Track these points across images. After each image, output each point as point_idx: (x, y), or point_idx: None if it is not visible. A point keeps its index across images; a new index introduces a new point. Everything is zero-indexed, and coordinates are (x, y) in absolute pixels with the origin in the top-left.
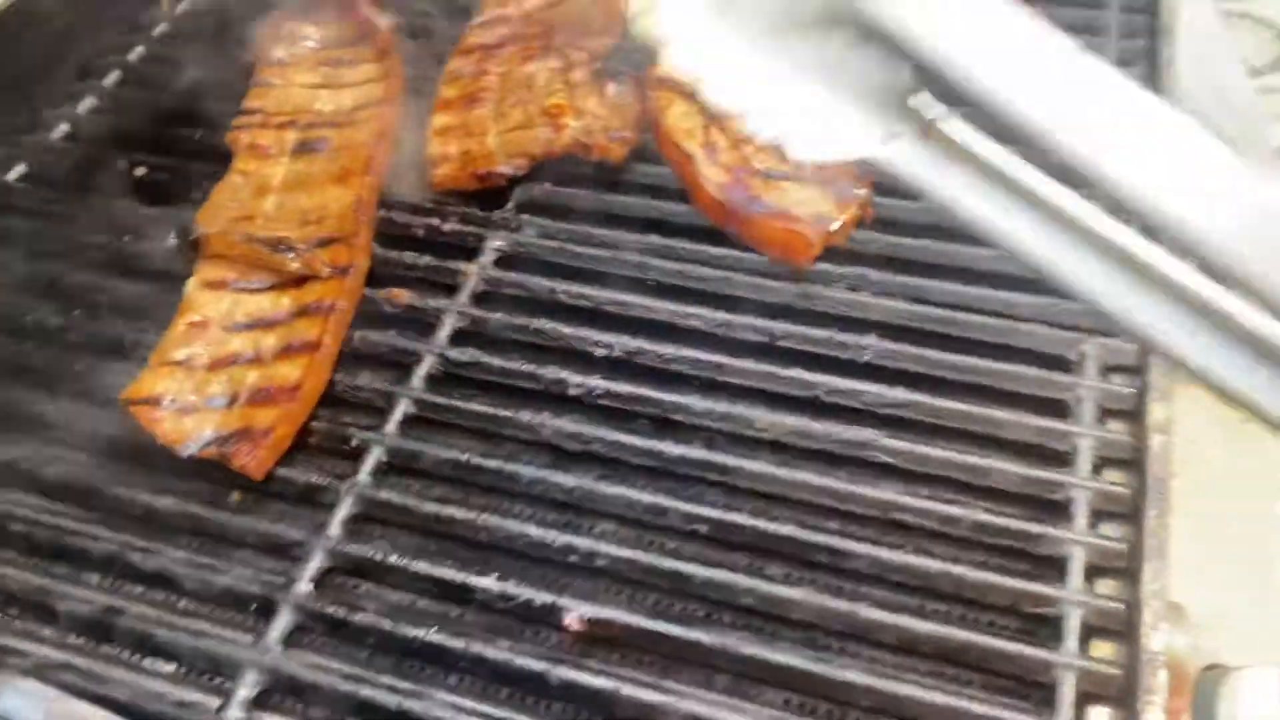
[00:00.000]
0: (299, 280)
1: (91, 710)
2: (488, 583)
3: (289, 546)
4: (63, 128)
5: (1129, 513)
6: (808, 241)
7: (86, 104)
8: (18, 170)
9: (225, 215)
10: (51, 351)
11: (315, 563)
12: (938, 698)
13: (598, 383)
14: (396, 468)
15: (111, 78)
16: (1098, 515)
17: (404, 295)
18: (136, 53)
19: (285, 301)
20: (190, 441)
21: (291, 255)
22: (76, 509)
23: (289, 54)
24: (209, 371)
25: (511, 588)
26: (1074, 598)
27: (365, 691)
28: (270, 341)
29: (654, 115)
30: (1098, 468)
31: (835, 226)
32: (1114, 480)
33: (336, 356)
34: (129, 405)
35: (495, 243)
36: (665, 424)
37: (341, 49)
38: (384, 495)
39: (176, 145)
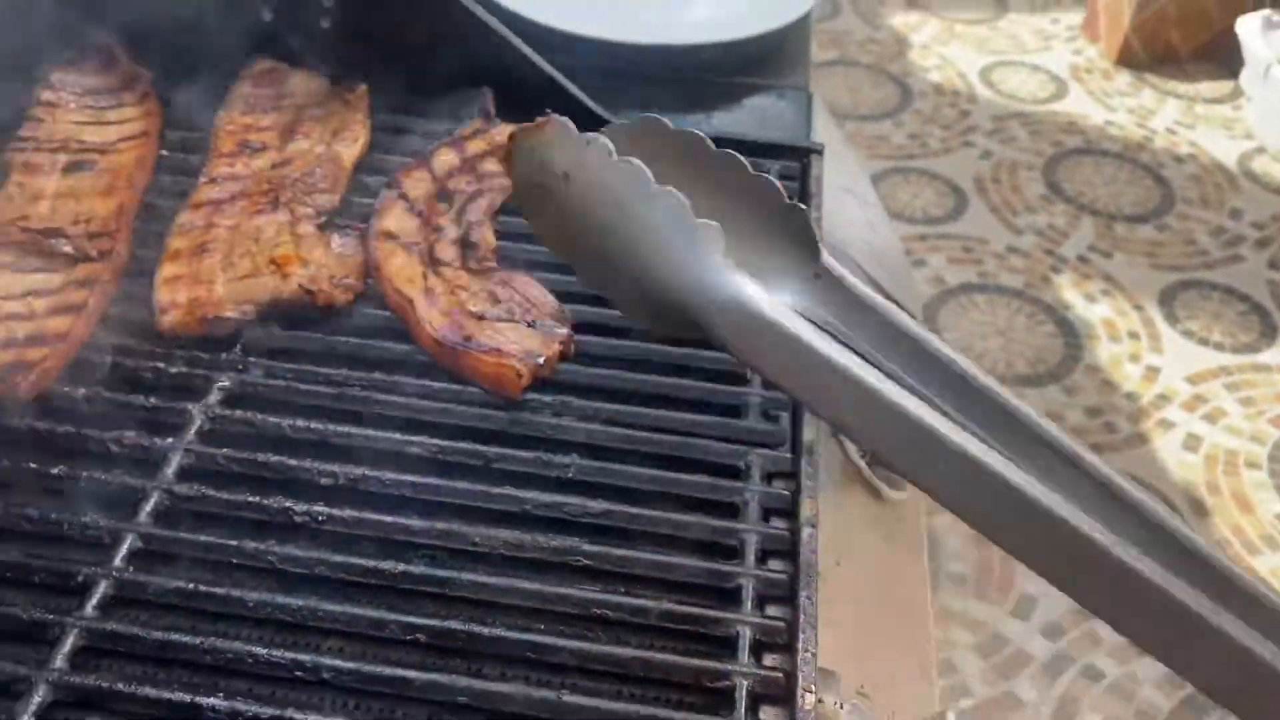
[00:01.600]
0: (71, 263)
1: None
2: (215, 701)
3: (11, 683)
4: None
5: (787, 595)
6: (517, 373)
7: None
8: None
9: (6, 214)
10: None
11: (39, 697)
12: None
13: (322, 509)
14: (123, 600)
15: None
16: (762, 599)
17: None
18: None
19: (57, 279)
20: None
21: (64, 241)
22: None
23: (58, 97)
24: None
25: (239, 705)
26: (743, 670)
27: None
28: (41, 305)
29: (377, 264)
30: (762, 558)
31: (541, 360)
32: (775, 568)
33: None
34: None
35: (222, 383)
36: (388, 544)
37: (105, 94)
38: (110, 627)
39: None
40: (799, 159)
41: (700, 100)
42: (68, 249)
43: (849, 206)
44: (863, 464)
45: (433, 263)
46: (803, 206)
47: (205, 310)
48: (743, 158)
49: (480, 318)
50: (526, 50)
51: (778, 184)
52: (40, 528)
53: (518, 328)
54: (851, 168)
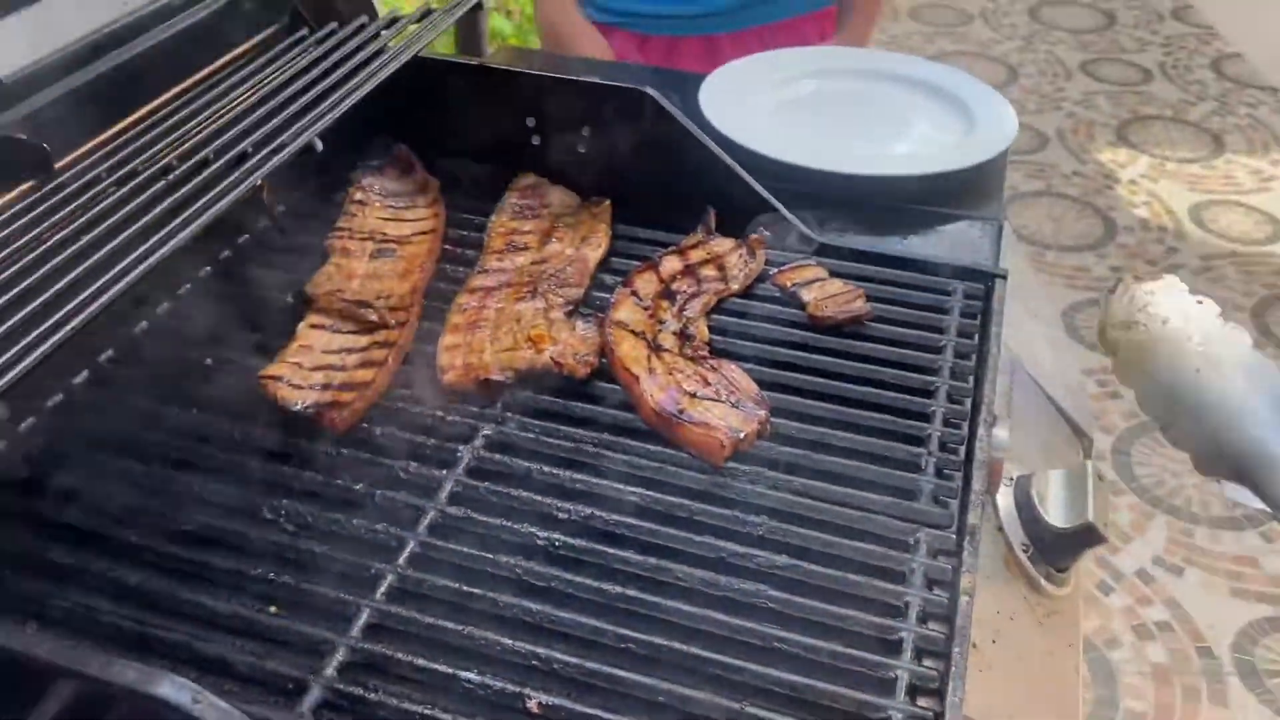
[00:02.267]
0: (372, 328)
1: (225, 704)
2: (470, 675)
3: (319, 644)
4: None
5: (942, 651)
6: (721, 444)
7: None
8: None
9: (326, 288)
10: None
11: (339, 657)
12: None
13: (559, 537)
14: (404, 592)
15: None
16: (920, 652)
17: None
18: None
19: (363, 340)
20: (297, 402)
21: (370, 311)
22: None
23: (367, 197)
24: (310, 370)
25: (488, 680)
26: (900, 706)
27: None
28: (351, 360)
29: (610, 346)
30: (922, 619)
31: (742, 435)
32: (933, 629)
33: (389, 383)
34: (262, 378)
35: (486, 431)
36: (608, 571)
37: (403, 196)
38: (394, 610)
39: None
40: (984, 282)
41: (899, 225)
42: (373, 317)
43: (1033, 331)
44: (1024, 558)
45: (655, 348)
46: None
47: (476, 373)
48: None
49: (693, 396)
50: (747, 177)
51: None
52: (344, 530)
53: (724, 407)
54: (1037, 293)
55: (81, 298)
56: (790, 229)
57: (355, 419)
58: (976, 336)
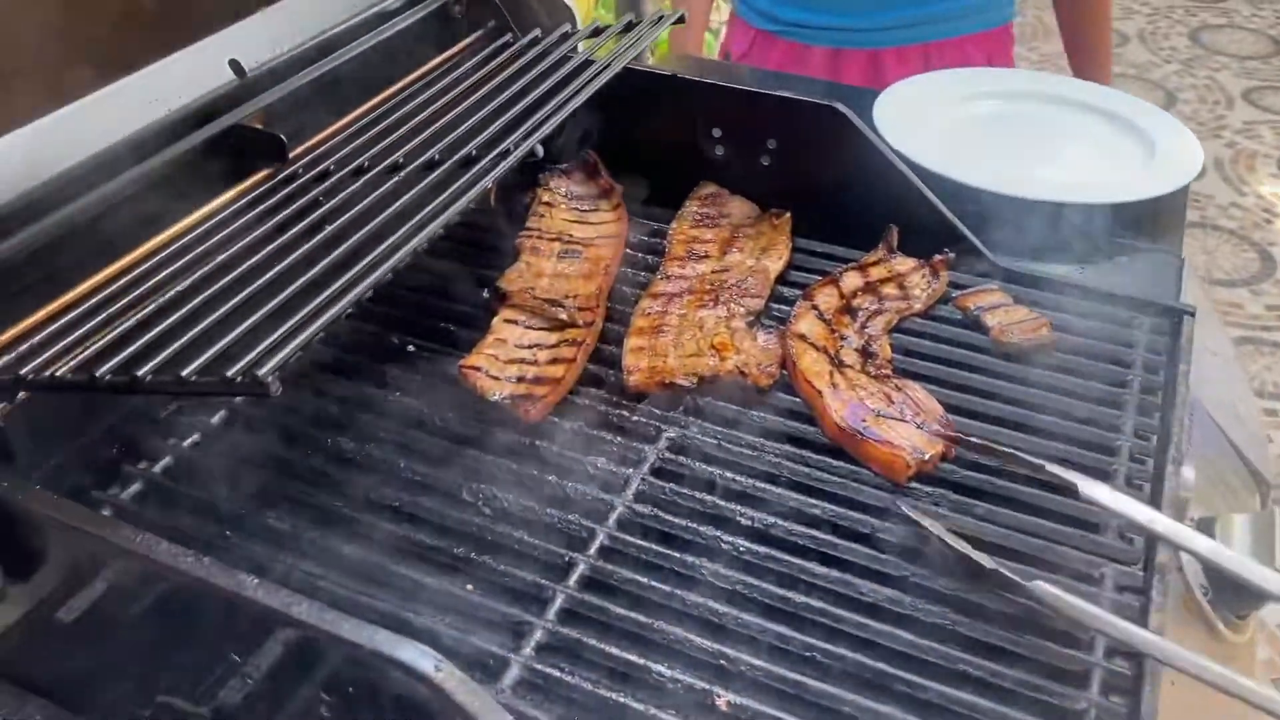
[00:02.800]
0: (562, 326)
1: (463, 673)
2: (661, 669)
3: (518, 624)
4: None
5: (1130, 688)
6: (906, 464)
7: None
8: None
9: (518, 284)
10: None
11: (537, 638)
12: None
13: (743, 543)
14: (594, 582)
15: None
16: (1107, 687)
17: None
18: None
19: (553, 337)
20: (494, 394)
21: (561, 310)
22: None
23: (553, 198)
24: (505, 363)
25: (678, 674)
26: None
27: None
28: (543, 355)
29: (791, 359)
30: (1109, 654)
31: (926, 457)
32: (1120, 665)
33: (576, 379)
34: (463, 368)
35: (669, 434)
36: (791, 580)
37: (587, 199)
38: (585, 598)
39: None
40: (1170, 318)
41: (1080, 253)
42: (563, 316)
43: (1211, 366)
44: (1204, 601)
45: (838, 364)
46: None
47: (661, 376)
48: None
49: (877, 414)
50: (932, 197)
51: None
52: (537, 518)
53: (908, 427)
54: (1214, 329)
55: (338, 285)
56: (970, 251)
57: (546, 411)
58: (1162, 373)
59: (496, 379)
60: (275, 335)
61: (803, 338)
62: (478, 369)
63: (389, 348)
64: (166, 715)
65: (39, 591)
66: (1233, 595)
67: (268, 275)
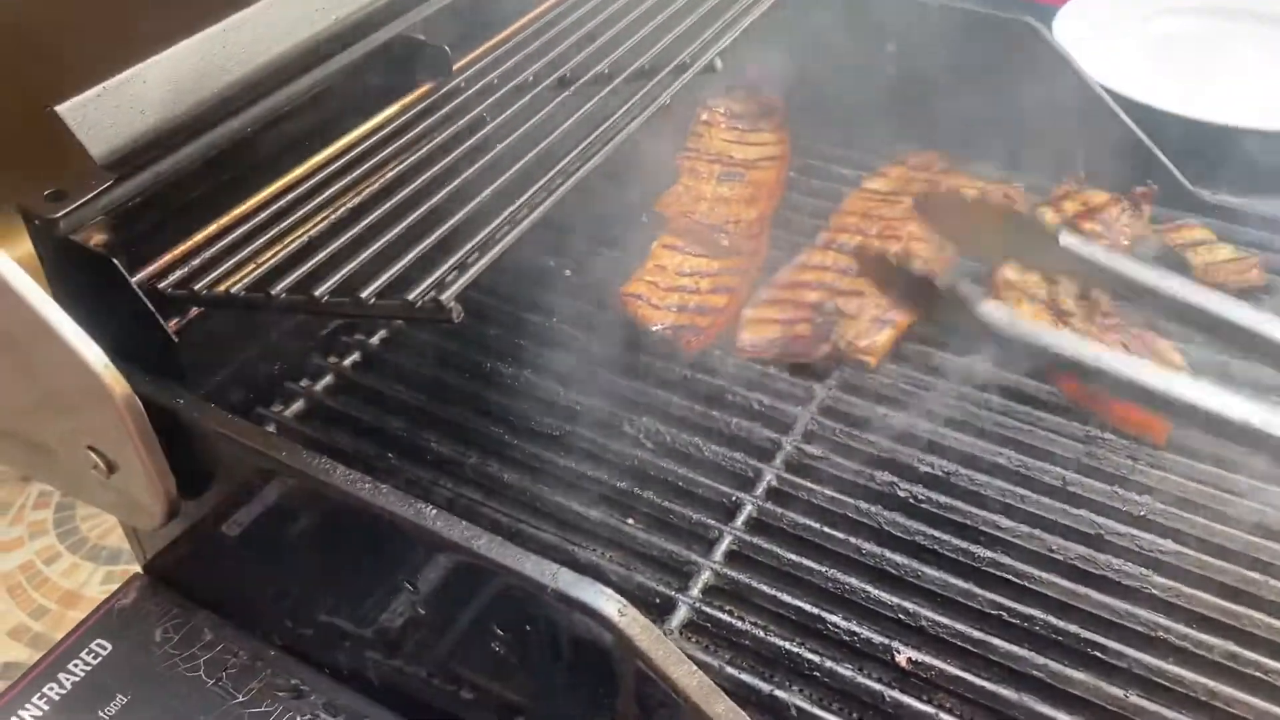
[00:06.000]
0: (726, 254)
1: (646, 619)
2: (836, 619)
3: (683, 564)
4: None
5: None
6: (1165, 425)
7: None
8: None
9: (676, 208)
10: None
11: (703, 578)
12: None
13: (921, 490)
14: (763, 525)
15: None
16: None
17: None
18: None
19: (715, 264)
20: (655, 324)
21: (723, 236)
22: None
23: (712, 117)
24: (666, 291)
25: (855, 626)
26: None
27: (744, 677)
28: (705, 283)
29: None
30: None
31: None
32: None
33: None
34: (623, 294)
35: (840, 371)
36: (973, 532)
37: (747, 119)
38: (755, 540)
39: None
40: None
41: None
42: (725, 242)
43: None
44: None
45: (1058, 312)
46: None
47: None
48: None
49: None
50: (1130, 122)
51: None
52: (701, 455)
53: None
54: None
55: (516, 206)
56: (1166, 184)
57: (708, 343)
58: None
59: (657, 308)
60: (455, 258)
61: (1011, 285)
62: (638, 297)
63: (546, 272)
64: (329, 634)
65: (207, 507)
66: None
67: (439, 195)
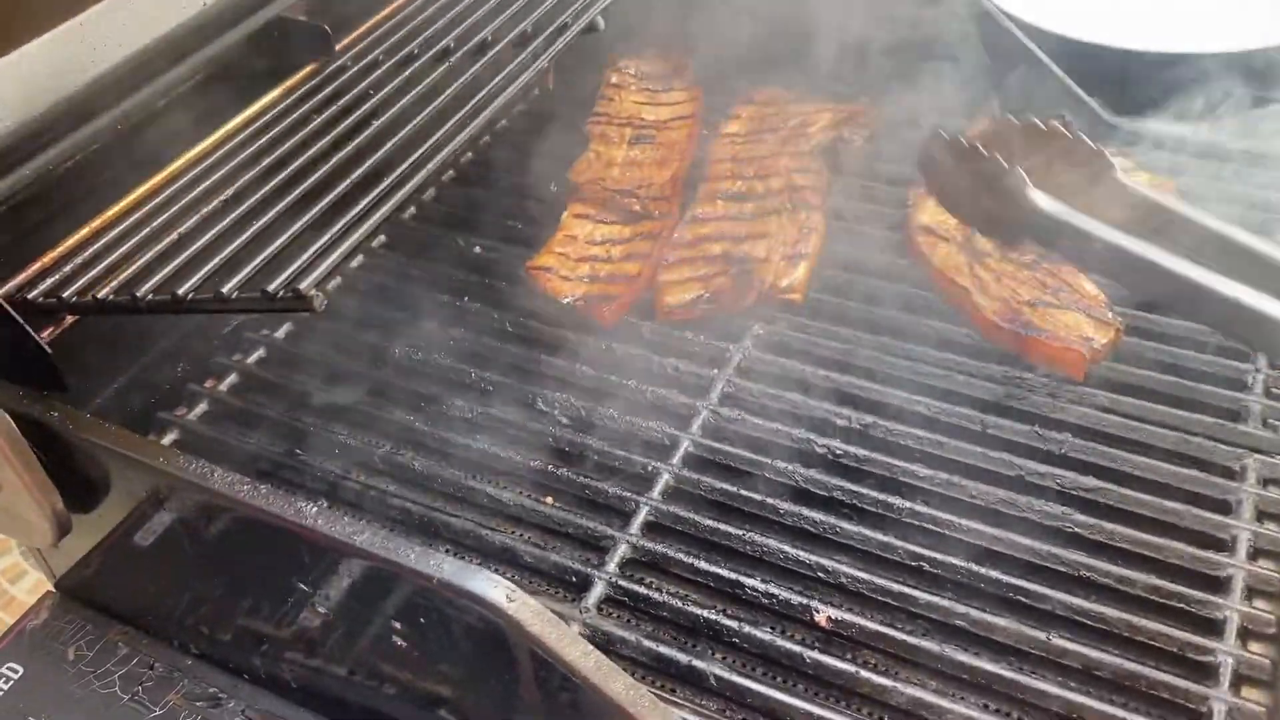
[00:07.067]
0: (636, 219)
1: (536, 603)
2: (754, 583)
3: (600, 540)
4: None
5: (1278, 592)
6: (1081, 357)
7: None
8: None
9: (587, 175)
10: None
11: (620, 553)
12: (1116, 712)
13: (839, 445)
14: (680, 492)
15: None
16: (1251, 591)
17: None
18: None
19: (627, 231)
20: (566, 296)
21: (634, 201)
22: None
23: (623, 79)
24: (577, 262)
25: (773, 589)
26: (1229, 650)
27: (662, 649)
28: (617, 251)
29: (923, 255)
30: (1253, 555)
31: (1100, 345)
32: (1267, 567)
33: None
34: (530, 269)
35: (756, 329)
36: (893, 484)
37: (659, 79)
38: (672, 509)
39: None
40: None
41: (1209, 106)
42: (636, 208)
43: None
44: None
45: (974, 254)
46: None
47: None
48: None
49: (1032, 305)
50: (1039, 53)
51: (1089, 143)
52: (618, 426)
53: (1072, 314)
54: None
55: (382, 187)
56: (1084, 114)
57: (623, 312)
58: None
59: (567, 279)
60: (317, 245)
61: (929, 230)
62: (547, 270)
63: (454, 250)
64: (245, 638)
65: (111, 519)
66: None
67: (311, 180)
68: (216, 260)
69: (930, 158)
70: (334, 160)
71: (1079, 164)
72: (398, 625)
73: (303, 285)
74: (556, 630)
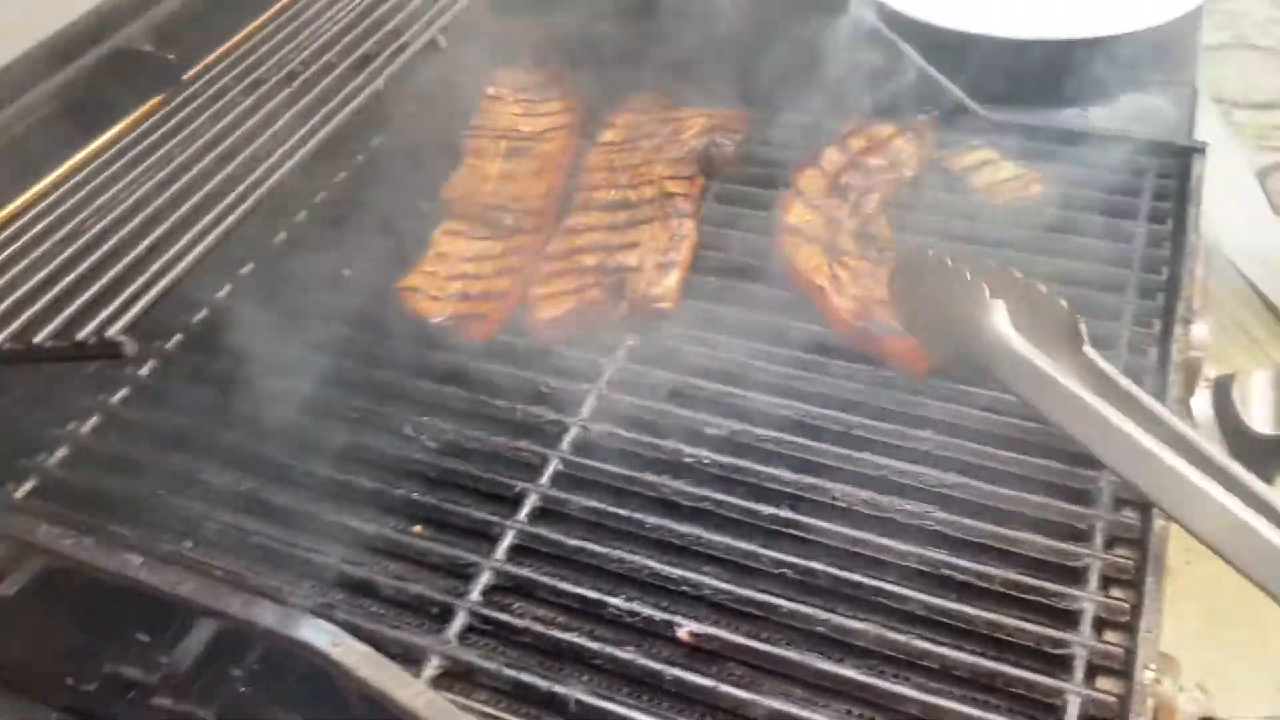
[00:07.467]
0: (509, 233)
1: (364, 647)
2: (618, 602)
3: (465, 566)
4: None
5: (1133, 580)
6: (919, 360)
7: None
8: None
9: (460, 191)
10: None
11: (485, 579)
12: (974, 712)
13: (707, 454)
14: (549, 513)
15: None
16: (1107, 580)
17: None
18: None
19: (499, 247)
20: (435, 316)
21: (507, 216)
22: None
23: (499, 92)
24: (447, 280)
25: (636, 606)
26: (1084, 641)
27: (523, 677)
28: (489, 268)
29: (786, 256)
30: (1109, 544)
31: None
32: (1122, 554)
33: (524, 291)
34: (399, 290)
35: (629, 340)
36: (760, 490)
37: (535, 90)
38: (539, 531)
39: None
40: (1178, 159)
41: (1079, 95)
42: (509, 222)
43: (1229, 207)
44: None
45: (835, 253)
46: (1076, 316)
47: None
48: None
49: (884, 303)
50: (906, 48)
51: (1063, 303)
52: (486, 448)
53: None
54: (1236, 164)
55: (218, 210)
56: (953, 106)
57: (494, 329)
58: (1170, 221)
59: (437, 299)
60: (132, 288)
61: (794, 230)
62: (415, 290)
63: (324, 273)
64: (114, 685)
65: None
66: (1257, 461)
67: (139, 218)
68: (35, 307)
69: (909, 269)
70: (164, 197)
71: (1051, 323)
72: (237, 673)
73: (111, 332)
74: (384, 672)
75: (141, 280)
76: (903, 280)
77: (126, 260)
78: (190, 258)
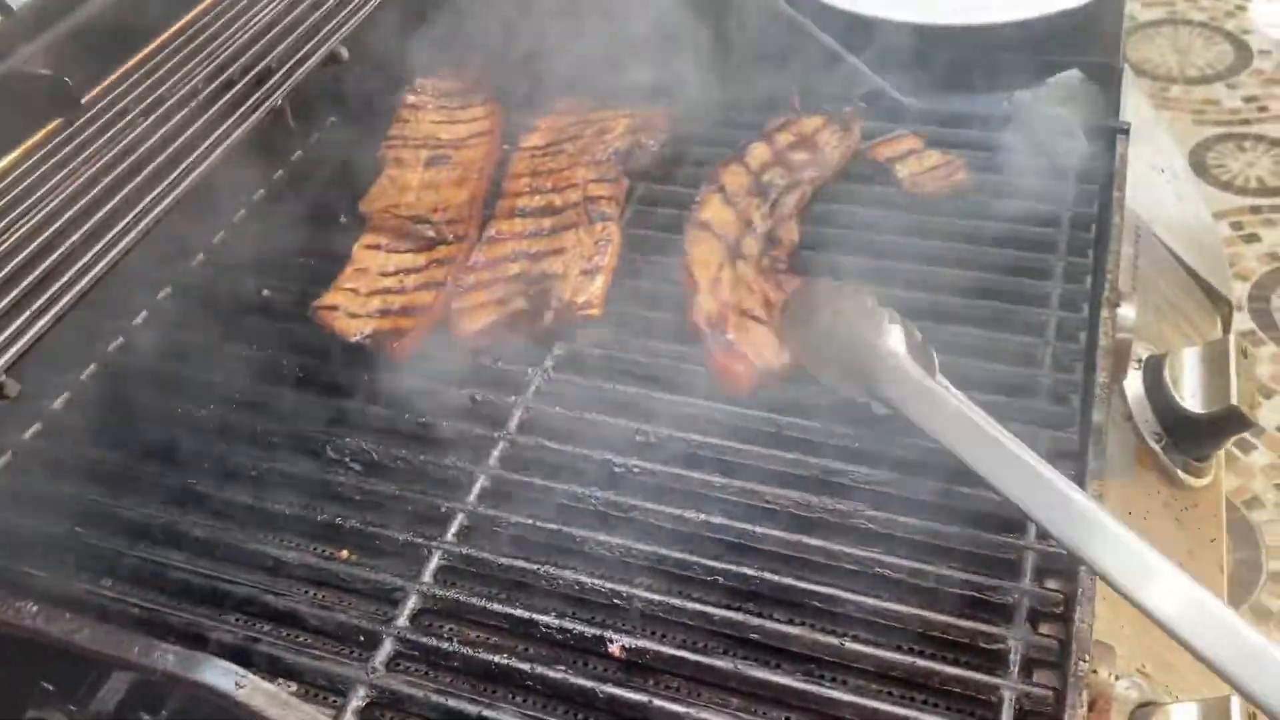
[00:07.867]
0: (431, 245)
1: (272, 686)
2: (549, 619)
3: (390, 590)
4: None
5: (1066, 569)
6: (739, 376)
7: None
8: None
9: (380, 203)
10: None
11: (412, 604)
12: (909, 713)
13: (636, 463)
14: (476, 530)
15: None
16: (1041, 571)
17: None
18: None
19: (421, 259)
20: (354, 334)
21: (428, 227)
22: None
23: (419, 100)
24: (368, 296)
25: (567, 623)
26: (1019, 635)
27: (451, 703)
28: (411, 281)
29: (685, 248)
30: (1043, 535)
31: (775, 368)
32: (1055, 545)
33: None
34: (317, 310)
35: (556, 350)
36: (691, 496)
37: (456, 97)
38: (466, 551)
39: None
40: (1102, 140)
41: (1002, 78)
42: (431, 233)
43: (1158, 185)
44: (1158, 449)
45: (736, 253)
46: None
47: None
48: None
49: (745, 314)
50: (828, 40)
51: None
52: (412, 467)
53: (767, 332)
54: (1164, 143)
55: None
56: (879, 96)
57: (416, 344)
58: (1096, 204)
59: (356, 316)
60: (15, 324)
61: (705, 226)
62: (334, 308)
63: (242, 294)
64: None
65: None
66: (1190, 440)
67: (27, 251)
68: None
69: (806, 297)
70: (54, 227)
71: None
72: (146, 717)
73: None
74: (293, 714)
75: (24, 316)
76: (797, 304)
77: (11, 296)
78: (75, 290)
